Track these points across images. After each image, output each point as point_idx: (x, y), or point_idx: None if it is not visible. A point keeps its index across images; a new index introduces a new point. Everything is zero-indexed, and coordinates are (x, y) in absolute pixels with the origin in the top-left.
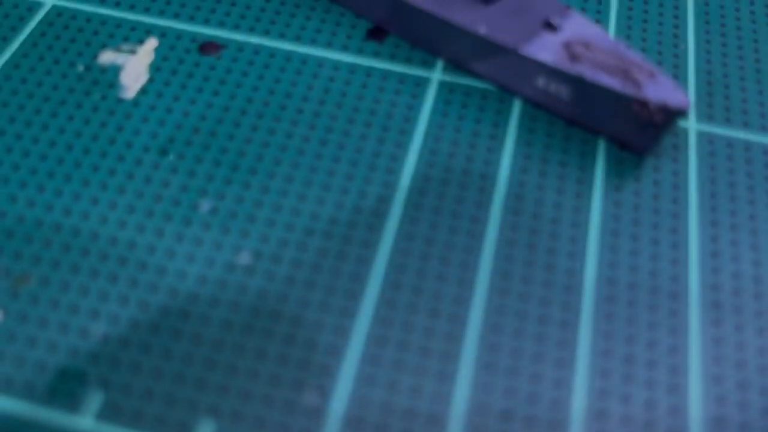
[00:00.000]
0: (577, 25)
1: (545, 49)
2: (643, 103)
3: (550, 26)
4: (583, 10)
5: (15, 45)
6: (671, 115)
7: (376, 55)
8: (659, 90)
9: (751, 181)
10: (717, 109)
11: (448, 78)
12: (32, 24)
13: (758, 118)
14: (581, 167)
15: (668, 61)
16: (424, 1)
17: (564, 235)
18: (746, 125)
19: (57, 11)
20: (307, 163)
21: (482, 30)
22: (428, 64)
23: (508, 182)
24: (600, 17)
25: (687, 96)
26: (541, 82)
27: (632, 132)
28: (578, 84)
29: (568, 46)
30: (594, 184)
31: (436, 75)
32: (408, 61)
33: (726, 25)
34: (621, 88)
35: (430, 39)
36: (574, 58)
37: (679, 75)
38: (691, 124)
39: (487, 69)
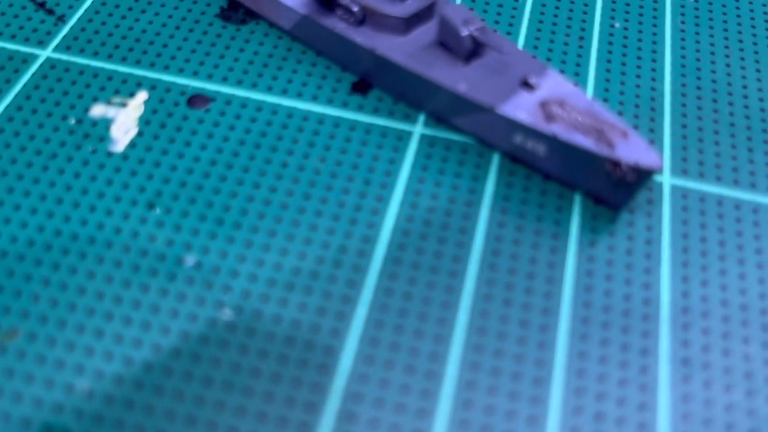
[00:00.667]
0: (553, 84)
1: (522, 108)
2: (616, 163)
3: (527, 85)
4: (563, 62)
5: (9, 97)
6: (643, 174)
7: (360, 108)
8: (632, 150)
9: (722, 236)
10: (691, 163)
11: (430, 132)
12: (27, 76)
13: (730, 173)
14: (557, 222)
15: (645, 115)
16: (406, 59)
17: (539, 291)
18: (719, 180)
19: (51, 63)
20: (290, 217)
21: (462, 88)
22: (410, 118)
23: (486, 237)
24: (579, 70)
25: (660, 156)
26: (518, 138)
27: (606, 189)
28: (554, 142)
29: (544, 104)
30: (569, 239)
31: (418, 128)
32: (391, 114)
33: (702, 78)
34: (595, 148)
35: (412, 94)
36: (549, 117)
37: (655, 129)
38: (666, 178)
39: (467, 124)
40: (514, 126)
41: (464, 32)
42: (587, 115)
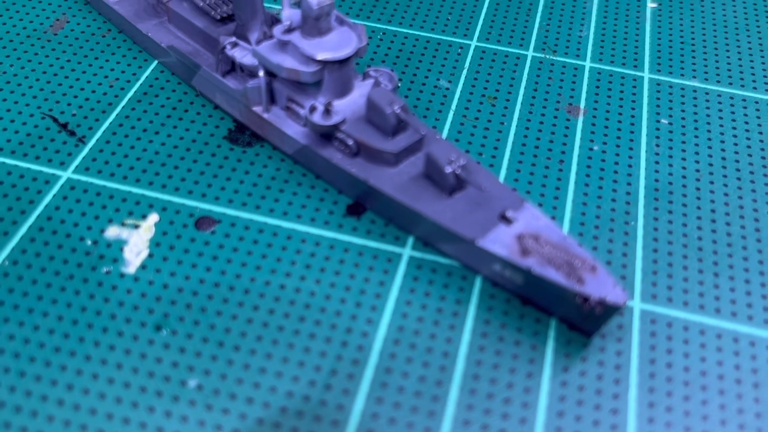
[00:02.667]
0: (530, 217)
1: (500, 242)
2: (585, 298)
3: (505, 219)
4: (543, 186)
5: (32, 218)
6: (610, 309)
7: (354, 230)
8: (599, 286)
9: (687, 361)
10: (660, 288)
11: (418, 254)
12: (48, 197)
13: (697, 298)
14: (533, 346)
15: (619, 239)
16: (395, 190)
17: (515, 416)
18: (686, 305)
19: (71, 184)
20: (286, 340)
21: (445, 220)
22: (400, 241)
23: (467, 361)
24: (559, 193)
25: (625, 292)
26: (497, 268)
27: (578, 317)
28: (529, 275)
29: (520, 238)
30: (544, 364)
31: (407, 251)
32: (382, 237)
33: (674, 201)
34: (566, 283)
35: (401, 220)
36: (525, 251)
37: (628, 253)
38: (636, 304)
39: (451, 250)
40: (493, 258)
41: (448, 170)
42: (560, 249)
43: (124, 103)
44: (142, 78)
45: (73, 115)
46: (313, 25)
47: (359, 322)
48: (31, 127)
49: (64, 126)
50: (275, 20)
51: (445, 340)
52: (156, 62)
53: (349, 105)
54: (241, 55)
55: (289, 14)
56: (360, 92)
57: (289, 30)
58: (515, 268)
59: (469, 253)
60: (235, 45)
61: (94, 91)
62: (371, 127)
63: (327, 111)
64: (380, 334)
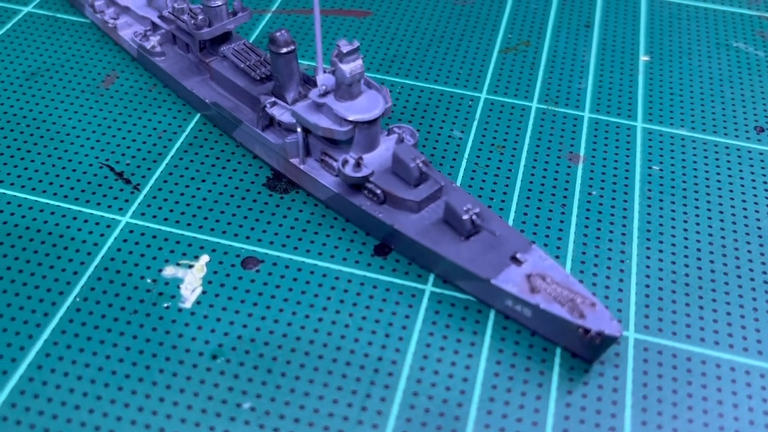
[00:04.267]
0: (537, 258)
1: (512, 281)
2: (586, 330)
3: (516, 260)
4: (548, 228)
5: (97, 260)
6: (607, 340)
7: (381, 269)
8: (598, 320)
9: (675, 385)
10: (652, 320)
11: (438, 290)
12: (110, 240)
13: (684, 328)
14: (541, 372)
15: (615, 276)
16: (417, 234)
17: None
18: (674, 335)
19: (129, 228)
20: (325, 367)
21: (462, 261)
22: (422, 278)
23: (483, 386)
24: (562, 234)
25: (620, 326)
26: (509, 303)
27: (580, 347)
28: (537, 310)
29: (529, 277)
30: (551, 387)
31: (429, 287)
32: (406, 274)
33: (663, 242)
34: (569, 317)
35: (423, 260)
36: (533, 289)
37: (623, 288)
38: (631, 334)
39: (468, 287)
40: (506, 294)
41: (465, 217)
42: (563, 287)
43: (172, 153)
44: (187, 130)
45: (127, 164)
46: (346, 89)
47: (388, 352)
48: (90, 175)
49: (120, 174)
50: (308, 79)
51: (464, 367)
52: (198, 115)
53: (376, 158)
54: (280, 113)
55: (324, 79)
56: (385, 146)
57: (324, 94)
58: (525, 303)
59: (484, 290)
60: (274, 104)
61: (144, 142)
62: (396, 179)
63: (358, 164)
64: (407, 362)
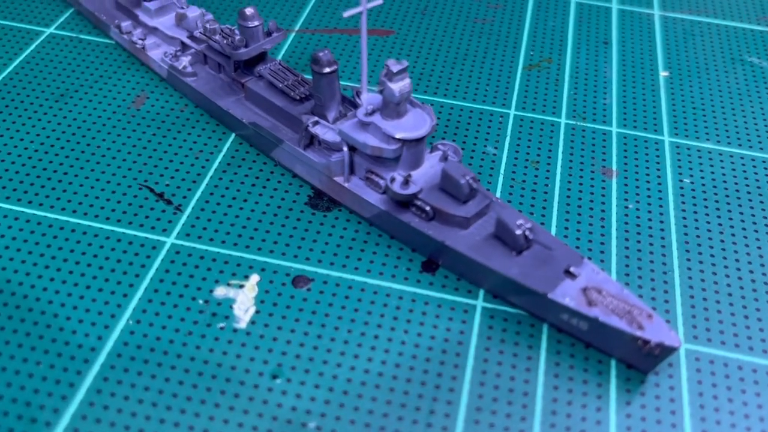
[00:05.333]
0: (590, 272)
1: (568, 295)
2: (646, 342)
3: (570, 274)
4: (590, 242)
5: (146, 282)
6: (667, 351)
7: (431, 285)
8: (657, 331)
9: (730, 394)
10: (700, 330)
11: (489, 305)
12: (157, 261)
13: (731, 337)
14: (599, 384)
15: (660, 287)
16: (470, 250)
17: None
18: (723, 344)
19: (175, 249)
20: (387, 384)
21: (516, 275)
22: (473, 294)
23: (543, 399)
24: (604, 248)
25: (678, 337)
26: (565, 317)
27: (636, 358)
28: (595, 323)
29: (585, 290)
30: (610, 399)
31: (480, 303)
32: (456, 290)
33: (702, 253)
34: (628, 330)
35: (473, 276)
36: (590, 302)
37: (669, 300)
38: (682, 344)
39: (520, 302)
40: (563, 308)
41: (518, 232)
42: (619, 299)
43: (211, 173)
44: (224, 150)
45: (167, 185)
46: (393, 108)
47: (447, 368)
48: (131, 197)
49: (161, 195)
50: (345, 98)
51: (523, 381)
52: (233, 135)
53: (422, 175)
54: (323, 131)
55: (368, 98)
56: (430, 163)
57: (371, 113)
58: (582, 317)
59: (538, 304)
60: (316, 123)
61: (182, 162)
62: (445, 195)
63: (406, 182)
64: (467, 377)
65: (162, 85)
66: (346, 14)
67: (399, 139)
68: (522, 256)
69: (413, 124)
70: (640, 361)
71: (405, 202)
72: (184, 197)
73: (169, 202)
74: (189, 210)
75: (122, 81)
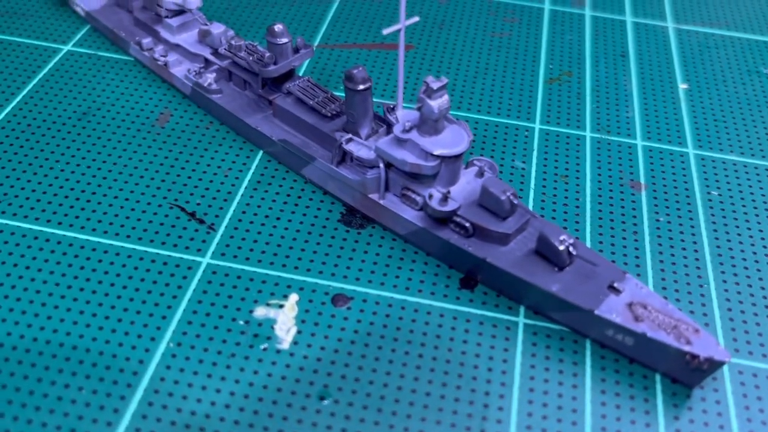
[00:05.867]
0: (633, 287)
1: (615, 311)
2: (694, 356)
3: (614, 289)
4: (624, 255)
5: (184, 303)
6: (716, 365)
7: (471, 302)
8: (705, 346)
9: None
10: (740, 343)
11: (531, 321)
12: (194, 282)
13: None
14: (646, 399)
15: (697, 300)
16: (512, 266)
17: None
18: (765, 357)
19: (212, 269)
20: (435, 404)
21: (559, 291)
22: (513, 310)
23: (593, 416)
24: (639, 261)
25: (727, 351)
26: (610, 332)
27: (683, 373)
28: (642, 338)
29: (630, 306)
30: (658, 414)
31: (521, 319)
32: (496, 307)
33: (736, 265)
34: (677, 345)
35: (514, 292)
36: (637, 318)
37: (707, 313)
38: None
39: (563, 318)
40: (609, 324)
41: (561, 247)
42: (664, 314)
43: (241, 191)
44: (252, 167)
45: (198, 204)
46: (432, 125)
47: (494, 386)
48: (162, 216)
49: (192, 215)
50: (375, 115)
51: (570, 398)
52: (261, 152)
53: (459, 192)
54: (357, 149)
55: (404, 115)
56: (466, 179)
57: (408, 129)
58: (628, 332)
59: (582, 320)
60: (350, 140)
61: (211, 181)
62: (484, 211)
63: (445, 198)
64: (515, 395)
65: (185, 102)
66: (386, 31)
67: (437, 156)
68: (564, 272)
69: (451, 141)
70: (687, 375)
71: (443, 219)
72: (217, 216)
73: (201, 221)
74: (222, 229)
75: (144, 98)
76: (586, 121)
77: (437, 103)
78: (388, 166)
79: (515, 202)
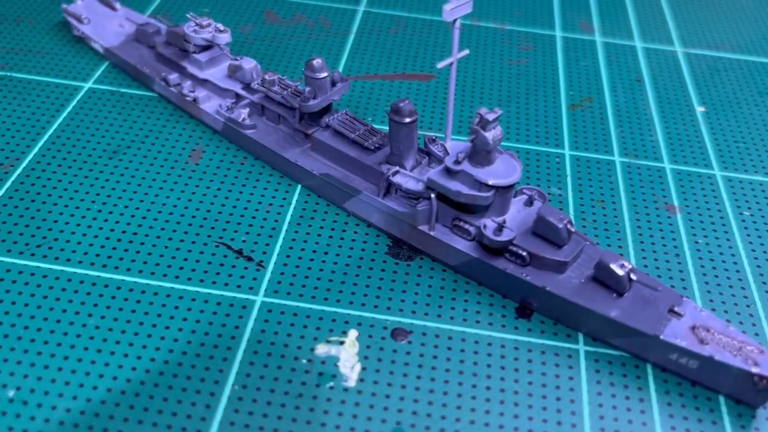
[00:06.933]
0: (693, 311)
1: (679, 335)
2: (762, 377)
3: (675, 313)
4: (670, 278)
5: (243, 343)
6: None
7: (529, 331)
8: None
9: None
10: None
11: (591, 348)
12: (251, 321)
13: None
14: (713, 421)
15: (747, 320)
16: (572, 294)
17: None
18: None
19: (267, 307)
20: None
21: (623, 318)
22: (572, 338)
23: None
24: (685, 284)
25: None
26: (673, 356)
27: (748, 394)
28: (708, 361)
29: (694, 329)
30: None
31: (581, 347)
32: (555, 335)
33: None
34: (745, 367)
35: (572, 319)
36: (702, 341)
37: (759, 332)
38: None
39: (623, 343)
40: (673, 348)
41: (622, 272)
42: (727, 336)
43: (285, 226)
44: (293, 202)
45: (243, 241)
46: (485, 156)
47: (565, 415)
48: (209, 255)
49: (240, 252)
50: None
51: (641, 423)
52: (299, 187)
53: (511, 221)
54: (404, 181)
55: (453, 146)
56: (516, 208)
57: (460, 161)
58: (694, 355)
59: (644, 345)
60: (396, 173)
61: (254, 217)
62: (539, 239)
63: (500, 228)
64: (586, 424)
65: (216, 138)
66: (440, 65)
67: (492, 186)
68: (623, 297)
69: (504, 171)
70: (752, 396)
71: (498, 249)
72: (264, 252)
73: (249, 259)
74: (271, 266)
75: (174, 135)
76: (613, 146)
77: (492, 134)
78: (438, 197)
79: (572, 229)
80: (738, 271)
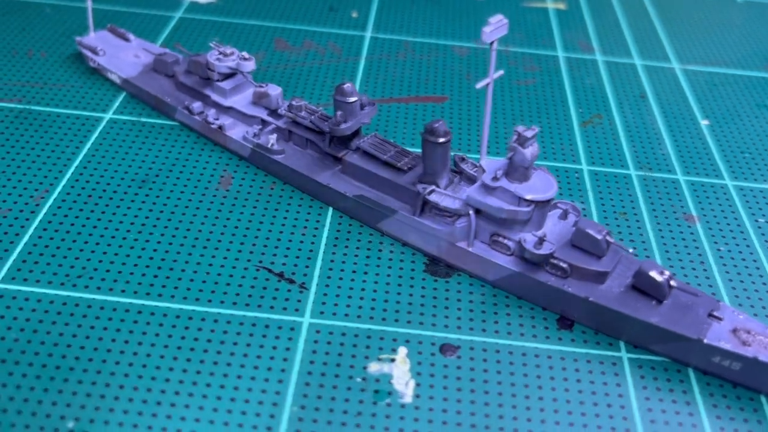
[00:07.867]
0: (731, 314)
1: (722, 338)
2: None
3: (715, 317)
4: (698, 285)
5: (296, 365)
6: None
7: (573, 341)
8: None
9: None
10: None
11: (633, 356)
12: (301, 342)
13: None
14: (759, 421)
15: None
16: (614, 303)
17: None
18: None
19: (315, 328)
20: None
21: (667, 324)
22: (614, 346)
23: None
24: (713, 289)
25: None
26: (716, 359)
27: None
28: (752, 362)
29: (735, 332)
30: None
31: (624, 354)
32: (597, 344)
33: None
34: None
35: (613, 327)
36: (744, 343)
37: None
38: None
39: (665, 349)
40: (717, 351)
41: (662, 279)
42: (767, 337)
43: (322, 248)
44: (327, 224)
45: (283, 264)
46: (522, 172)
47: (617, 421)
48: (250, 279)
49: (281, 275)
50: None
51: (690, 426)
52: (331, 209)
53: (550, 235)
54: (441, 199)
55: (489, 164)
56: (551, 222)
57: (498, 178)
58: (738, 357)
59: (687, 349)
60: (432, 191)
61: (290, 240)
62: (578, 251)
63: (540, 242)
64: (639, 431)
65: (243, 164)
66: (479, 86)
67: (530, 201)
68: (662, 304)
69: (541, 186)
70: None
71: (539, 262)
72: (305, 275)
73: (291, 281)
74: (314, 287)
75: (201, 162)
76: (627, 160)
77: (530, 151)
78: (479, 213)
79: (610, 240)
80: (761, 276)
